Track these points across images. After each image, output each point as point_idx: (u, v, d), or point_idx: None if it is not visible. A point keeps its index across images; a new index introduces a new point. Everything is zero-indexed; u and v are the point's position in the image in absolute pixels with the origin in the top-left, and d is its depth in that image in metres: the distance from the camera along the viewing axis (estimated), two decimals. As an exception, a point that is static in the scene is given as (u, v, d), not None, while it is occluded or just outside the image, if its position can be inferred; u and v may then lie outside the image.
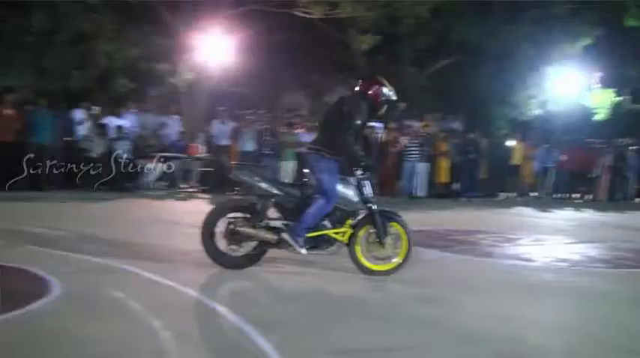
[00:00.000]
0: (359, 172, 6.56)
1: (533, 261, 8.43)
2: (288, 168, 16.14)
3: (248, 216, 6.57)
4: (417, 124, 18.95)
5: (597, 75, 24.59)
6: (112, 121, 15.79)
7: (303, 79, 23.70)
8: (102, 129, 15.48)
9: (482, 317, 5.37)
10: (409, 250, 6.59)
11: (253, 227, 6.52)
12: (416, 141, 17.64)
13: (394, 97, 6.81)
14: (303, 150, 6.84)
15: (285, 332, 4.65)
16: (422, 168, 17.80)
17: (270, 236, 6.52)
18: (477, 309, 5.65)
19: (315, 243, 6.55)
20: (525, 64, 22.83)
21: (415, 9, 18.51)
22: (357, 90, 6.74)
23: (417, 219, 12.63)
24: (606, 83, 24.76)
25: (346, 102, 6.62)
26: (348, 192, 6.54)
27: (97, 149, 14.95)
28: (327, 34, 20.29)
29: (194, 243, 6.82)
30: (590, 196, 20.50)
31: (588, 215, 16.25)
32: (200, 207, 13.23)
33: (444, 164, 18.34)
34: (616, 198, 20.03)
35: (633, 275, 8.06)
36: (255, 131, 16.48)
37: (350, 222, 6.61)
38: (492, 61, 22.28)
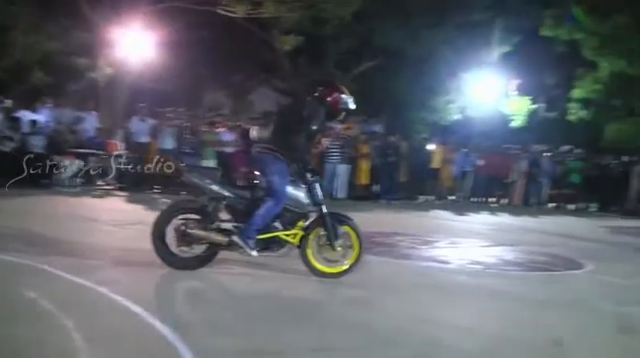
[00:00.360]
0: (309, 175, 6.62)
1: (449, 263, 8.61)
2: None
3: (199, 217, 6.54)
4: (338, 126, 19.05)
5: (515, 82, 25.44)
6: (25, 115, 15.22)
7: (225, 78, 23.55)
8: (14, 123, 14.89)
9: (402, 319, 5.48)
10: (360, 253, 6.66)
11: (204, 229, 6.49)
12: (337, 143, 17.74)
13: (352, 106, 6.80)
14: (257, 149, 6.72)
15: (204, 333, 4.69)
16: (342, 169, 17.93)
17: (220, 238, 6.49)
18: (397, 311, 5.77)
19: (266, 245, 6.56)
20: (445, 69, 23.38)
21: (338, 11, 18.63)
22: (316, 96, 6.71)
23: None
24: (523, 90, 25.63)
25: (306, 106, 6.66)
26: (298, 193, 6.59)
27: (8, 144, 14.36)
28: (250, 33, 20.18)
29: (111, 240, 6.73)
30: (506, 200, 21.08)
31: (504, 219, 16.72)
32: (117, 205, 13.08)
33: (365, 166, 18.53)
34: (530, 203, 20.66)
35: (545, 277, 8.35)
36: (175, 129, 16.22)
37: (301, 224, 6.65)
38: (413, 65, 22.70)
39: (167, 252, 6.55)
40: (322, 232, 6.62)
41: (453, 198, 20.45)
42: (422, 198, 19.57)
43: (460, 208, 17.80)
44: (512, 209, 19.48)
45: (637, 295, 7.43)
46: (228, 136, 16.53)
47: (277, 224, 6.56)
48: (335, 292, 6.43)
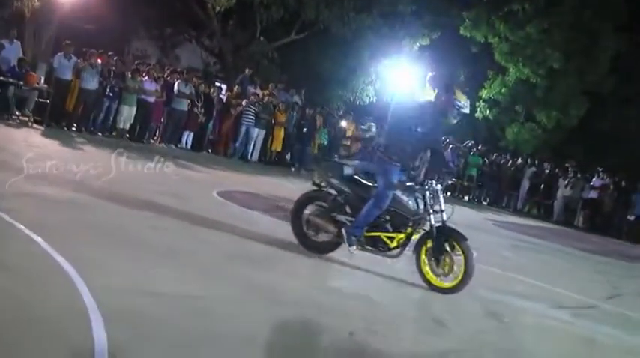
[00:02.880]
0: (433, 182, 6.49)
1: None
2: (126, 113, 16.25)
3: (326, 206, 6.97)
4: (259, 91, 19.62)
5: (430, 75, 26.50)
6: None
7: (155, 30, 23.49)
8: None
9: (289, 279, 5.94)
10: (467, 274, 6.26)
11: (323, 217, 6.93)
12: (254, 107, 18.26)
13: (466, 110, 6.68)
14: (377, 154, 6.65)
15: (102, 269, 4.92)
16: (258, 133, 18.54)
17: (332, 228, 6.86)
18: (287, 271, 6.23)
19: (373, 243, 6.71)
20: (368, 53, 24.26)
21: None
22: (430, 100, 6.71)
23: (245, 181, 13.44)
24: (435, 84, 26.69)
25: (419, 108, 6.63)
26: (405, 199, 6.57)
27: None
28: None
29: (20, 171, 6.87)
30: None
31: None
32: (32, 138, 13.04)
33: (280, 134, 19.19)
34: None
35: None
36: (99, 70, 16.22)
37: (409, 230, 6.59)
38: (338, 45, 23.46)
39: (300, 232, 7.07)
40: (430, 244, 6.47)
41: (360, 175, 21.31)
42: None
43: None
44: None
45: (508, 285, 7.91)
46: (150, 85, 16.75)
47: (388, 225, 6.63)
48: (227, 248, 6.70)
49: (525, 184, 22.49)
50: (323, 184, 7.11)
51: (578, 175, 21.72)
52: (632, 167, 23.49)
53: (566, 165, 22.65)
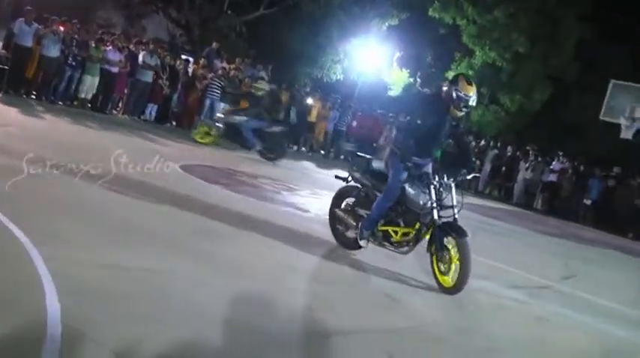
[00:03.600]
0: (446, 179, 6.30)
1: (308, 211, 9.29)
2: (89, 83, 15.98)
3: (354, 201, 6.97)
4: (225, 65, 19.43)
5: (398, 55, 26.66)
6: None
7: (122, -1, 23.08)
8: None
9: (249, 255, 5.98)
10: (463, 272, 6.00)
11: (348, 212, 6.93)
12: (220, 81, 18.11)
13: (473, 103, 6.41)
14: (390, 146, 6.54)
15: (60, 243, 4.89)
16: (223, 107, 18.37)
17: (352, 221, 6.83)
18: (247, 247, 6.25)
19: (386, 237, 6.61)
20: (337, 31, 24.21)
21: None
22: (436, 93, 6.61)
23: (209, 155, 13.34)
24: (403, 64, 26.91)
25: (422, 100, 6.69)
26: (414, 193, 6.37)
27: None
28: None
29: None
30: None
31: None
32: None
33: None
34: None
35: None
36: (61, 38, 15.89)
37: (418, 224, 6.45)
38: (307, 22, 23.37)
39: (334, 228, 7.13)
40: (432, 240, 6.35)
41: (323, 153, 21.44)
42: (294, 148, 20.30)
43: (328, 163, 18.60)
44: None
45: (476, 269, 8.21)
46: (114, 55, 16.48)
47: (400, 220, 6.53)
48: (188, 222, 6.71)
49: (487, 166, 22.68)
50: (349, 179, 7.15)
51: (539, 159, 22.00)
52: (591, 153, 23.95)
53: (527, 148, 22.93)
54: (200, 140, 14.74)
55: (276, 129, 14.66)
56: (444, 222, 6.20)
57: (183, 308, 4.24)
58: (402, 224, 6.52)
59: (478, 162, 19.49)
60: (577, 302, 7.42)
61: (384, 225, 6.57)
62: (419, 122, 6.44)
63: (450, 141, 6.90)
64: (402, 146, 6.39)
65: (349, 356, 4.21)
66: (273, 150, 14.43)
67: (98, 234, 5.38)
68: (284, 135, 15.17)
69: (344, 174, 7.26)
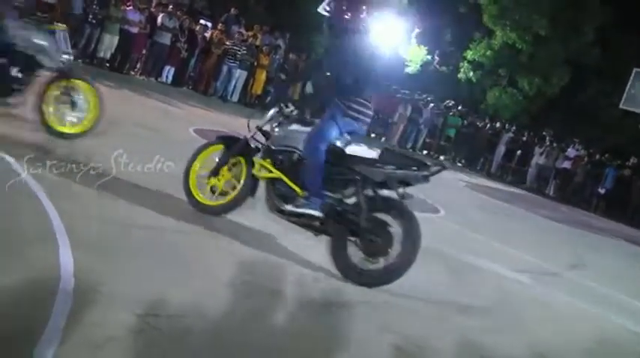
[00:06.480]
0: None
1: None
2: (108, 42, 15.98)
3: None
4: (243, 32, 19.35)
5: (417, 31, 26.42)
6: None
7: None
8: None
9: (270, 220, 5.65)
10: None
11: None
12: (238, 48, 18.06)
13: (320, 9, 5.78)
14: None
15: (73, 197, 5.04)
16: (239, 74, 18.39)
17: None
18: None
19: None
20: (357, 3, 23.96)
21: None
22: None
23: (223, 120, 13.34)
24: (421, 41, 26.68)
25: None
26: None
27: None
28: None
29: None
30: (384, 139, 22.23)
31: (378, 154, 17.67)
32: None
33: (261, 76, 19.04)
34: (406, 146, 21.91)
35: None
36: (84, -5, 15.84)
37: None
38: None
39: None
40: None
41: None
42: (309, 119, 20.22)
43: (340, 137, 18.52)
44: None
45: (472, 245, 8.02)
46: (134, 16, 16.43)
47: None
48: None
49: (501, 149, 22.64)
50: None
51: (554, 144, 21.91)
52: (607, 141, 23.80)
53: (544, 133, 22.82)
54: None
55: None
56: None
57: (198, 268, 4.31)
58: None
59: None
60: (582, 291, 7.39)
61: None
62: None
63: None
64: None
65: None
66: None
67: (112, 193, 5.34)
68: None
69: None
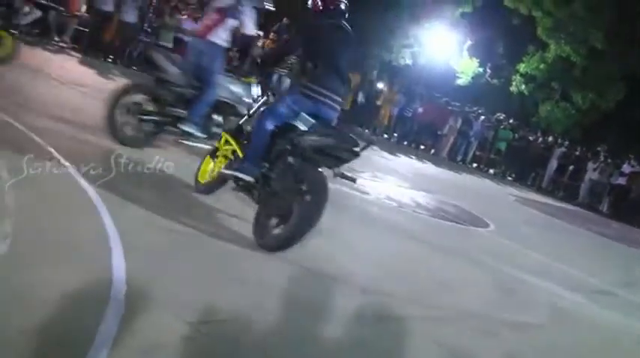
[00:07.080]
0: None
1: (369, 194, 9.23)
2: (163, 51, 16.21)
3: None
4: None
5: (469, 43, 26.23)
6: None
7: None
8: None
9: None
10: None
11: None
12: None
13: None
14: None
15: (125, 197, 5.14)
16: (287, 82, 18.45)
17: None
18: None
19: None
20: (408, 14, 23.90)
21: None
22: None
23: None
24: (473, 53, 26.46)
25: None
26: None
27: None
28: None
29: (56, 96, 7.25)
30: (434, 151, 22.10)
31: (427, 167, 17.67)
32: (68, 64, 13.15)
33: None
34: (456, 159, 21.73)
35: (449, 227, 8.98)
36: (139, 4, 16.17)
37: None
38: (380, 4, 23.13)
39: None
40: None
41: (386, 136, 21.34)
42: (359, 130, 20.26)
43: (391, 147, 18.59)
44: (438, 160, 20.52)
45: (523, 261, 7.99)
46: (189, 25, 16.65)
47: None
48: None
49: (553, 164, 22.21)
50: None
51: (609, 160, 21.41)
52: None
53: (598, 149, 22.32)
54: None
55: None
56: None
57: (249, 276, 4.32)
58: None
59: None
60: (638, 311, 7.17)
61: None
62: None
63: None
64: None
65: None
66: None
67: (168, 198, 5.44)
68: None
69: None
